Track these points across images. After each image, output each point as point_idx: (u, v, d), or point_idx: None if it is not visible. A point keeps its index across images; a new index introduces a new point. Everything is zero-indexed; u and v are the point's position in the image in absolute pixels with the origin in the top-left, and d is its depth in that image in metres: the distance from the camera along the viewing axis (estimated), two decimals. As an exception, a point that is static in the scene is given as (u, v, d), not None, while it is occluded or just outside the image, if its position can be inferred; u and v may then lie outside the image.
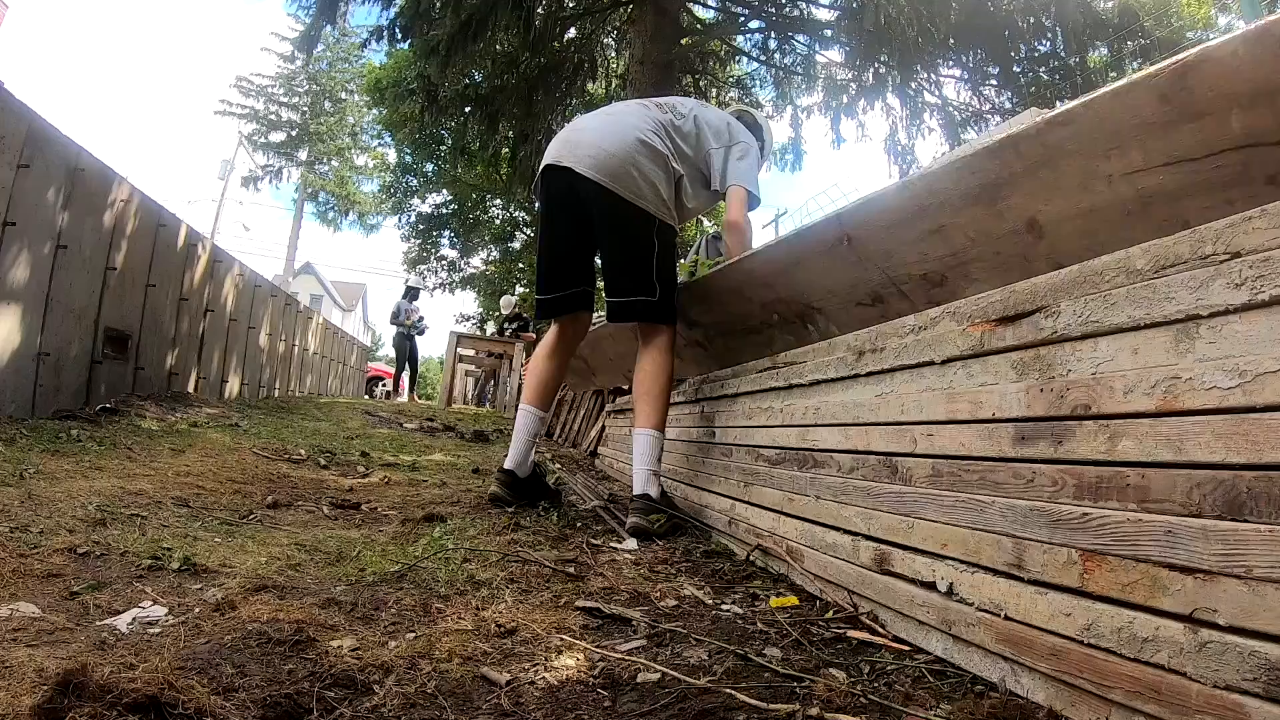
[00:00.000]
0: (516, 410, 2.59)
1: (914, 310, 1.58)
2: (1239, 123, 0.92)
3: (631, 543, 2.12)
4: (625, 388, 4.88)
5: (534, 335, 11.33)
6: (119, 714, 0.84)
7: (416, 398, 12.56)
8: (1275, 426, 0.71)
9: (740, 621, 1.42)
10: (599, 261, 2.51)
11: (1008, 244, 1.31)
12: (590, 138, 2.31)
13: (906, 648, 1.24)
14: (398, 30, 7.87)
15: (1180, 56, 0.95)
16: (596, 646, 1.24)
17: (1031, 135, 1.17)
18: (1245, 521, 0.73)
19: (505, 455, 2.54)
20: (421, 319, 12.03)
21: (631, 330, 2.43)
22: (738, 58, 10.40)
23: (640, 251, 2.31)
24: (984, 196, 1.30)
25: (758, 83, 10.69)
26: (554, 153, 2.34)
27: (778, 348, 2.17)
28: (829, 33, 8.81)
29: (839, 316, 1.90)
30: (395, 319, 11.95)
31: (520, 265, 19.07)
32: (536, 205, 2.50)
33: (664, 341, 2.40)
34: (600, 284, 2.62)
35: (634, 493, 2.29)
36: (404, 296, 12.37)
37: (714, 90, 10.36)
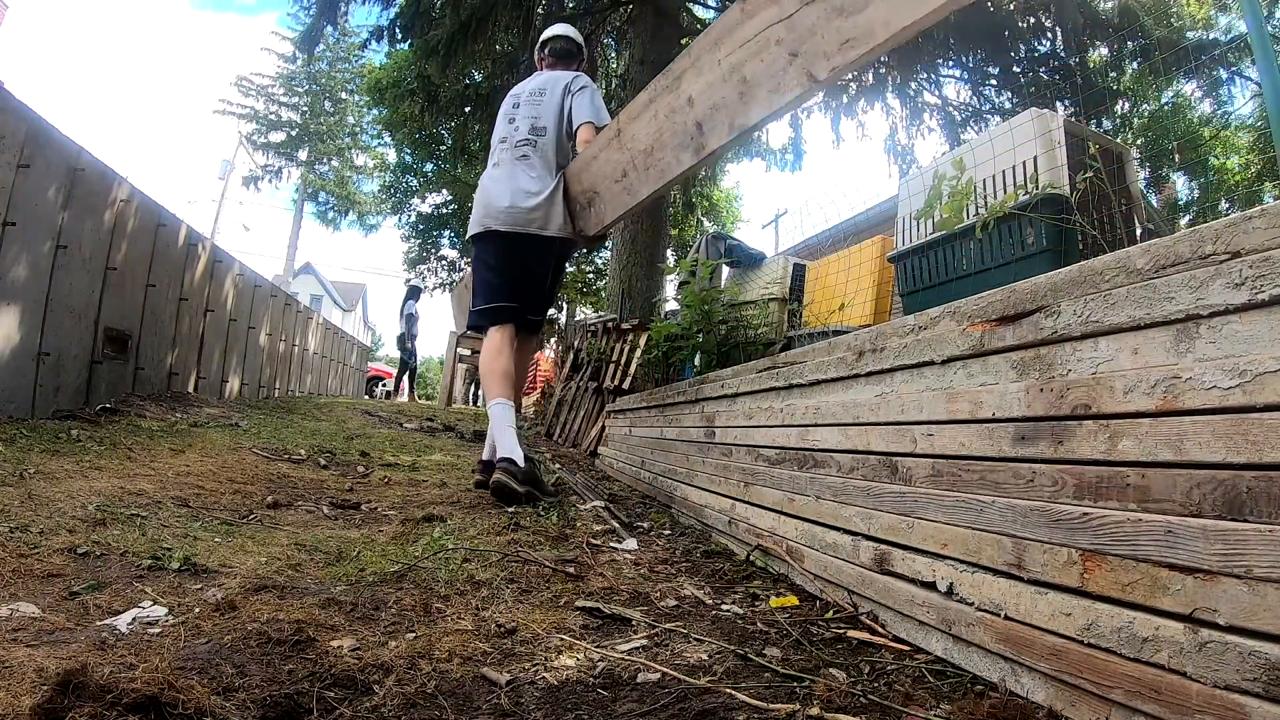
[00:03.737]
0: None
1: (642, 180, 2.35)
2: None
3: (631, 543, 2.12)
4: (622, 386, 4.89)
5: None
6: (119, 714, 0.84)
7: (416, 398, 12.59)
8: (1275, 426, 0.71)
9: (740, 621, 1.42)
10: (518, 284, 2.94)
11: (679, 115, 2.07)
12: (503, 202, 2.82)
13: (906, 648, 1.24)
14: (398, 30, 7.86)
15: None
16: (596, 646, 1.24)
17: (703, 44, 1.93)
18: (1245, 521, 0.73)
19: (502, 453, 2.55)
20: (414, 337, 12.08)
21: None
22: (738, 58, 10.39)
23: (543, 273, 2.89)
24: (673, 86, 2.07)
25: (758, 83, 10.67)
26: (479, 221, 2.88)
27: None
28: (829, 33, 8.79)
29: (605, 195, 2.62)
30: (412, 323, 12.01)
31: (520, 265, 19.02)
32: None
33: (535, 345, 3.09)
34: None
35: (499, 455, 2.56)
36: (411, 297, 12.41)
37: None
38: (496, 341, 2.81)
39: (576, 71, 3.09)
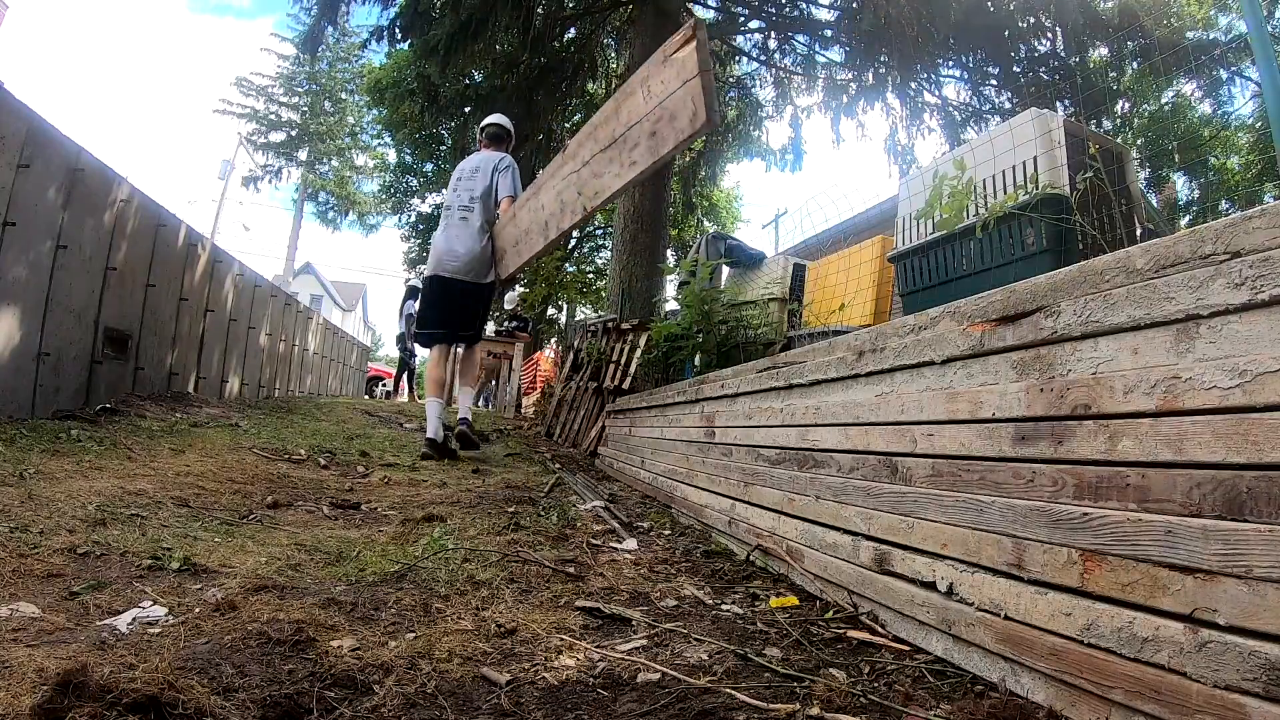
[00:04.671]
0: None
1: (526, 249, 3.49)
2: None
3: (631, 543, 2.12)
4: (622, 386, 4.89)
5: (529, 336, 11.39)
6: (119, 714, 0.84)
7: (416, 398, 12.60)
8: (1275, 426, 0.71)
9: (740, 621, 1.42)
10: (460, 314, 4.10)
11: (538, 214, 3.11)
12: (450, 255, 3.98)
13: (906, 648, 1.24)
14: (398, 30, 7.86)
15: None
16: (596, 646, 1.24)
17: (548, 171, 3.00)
18: (1245, 521, 0.73)
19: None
20: (414, 337, 12.11)
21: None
22: (738, 58, 10.37)
23: (475, 307, 4.04)
24: (536, 193, 3.12)
25: (758, 83, 10.65)
26: (432, 267, 4.08)
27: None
28: (829, 33, 8.80)
29: (509, 253, 3.77)
30: (411, 323, 12.02)
31: (519, 265, 19.01)
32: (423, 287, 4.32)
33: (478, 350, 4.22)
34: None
35: (458, 417, 3.89)
36: (411, 297, 12.40)
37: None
38: (435, 357, 4.12)
39: (503, 153, 4.24)
